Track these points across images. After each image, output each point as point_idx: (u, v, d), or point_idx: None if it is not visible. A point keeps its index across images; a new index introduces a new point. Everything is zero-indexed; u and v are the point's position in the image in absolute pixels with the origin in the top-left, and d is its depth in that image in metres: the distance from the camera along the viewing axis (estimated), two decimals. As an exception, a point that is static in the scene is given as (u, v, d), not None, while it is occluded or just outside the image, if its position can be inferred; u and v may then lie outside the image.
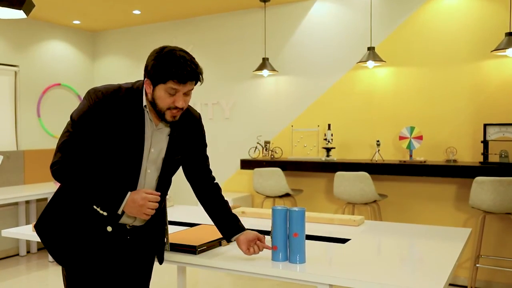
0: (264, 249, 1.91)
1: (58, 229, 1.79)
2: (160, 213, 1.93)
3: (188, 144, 1.95)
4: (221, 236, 2.09)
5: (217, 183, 2.10)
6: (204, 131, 2.07)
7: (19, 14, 2.10)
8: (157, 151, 1.82)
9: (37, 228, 1.85)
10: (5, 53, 5.34)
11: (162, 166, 1.85)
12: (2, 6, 1.93)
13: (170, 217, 2.81)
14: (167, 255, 2.00)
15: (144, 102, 1.76)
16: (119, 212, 1.73)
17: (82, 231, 1.78)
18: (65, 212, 1.79)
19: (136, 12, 5.37)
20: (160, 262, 1.99)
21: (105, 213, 1.76)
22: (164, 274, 4.39)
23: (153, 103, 1.72)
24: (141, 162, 1.77)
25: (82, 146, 1.70)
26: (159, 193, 1.77)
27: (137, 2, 4.98)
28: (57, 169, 1.70)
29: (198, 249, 1.97)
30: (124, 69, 6.15)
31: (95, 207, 1.75)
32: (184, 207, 3.28)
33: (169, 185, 1.96)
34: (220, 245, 2.11)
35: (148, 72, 1.70)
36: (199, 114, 2.05)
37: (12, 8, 1.95)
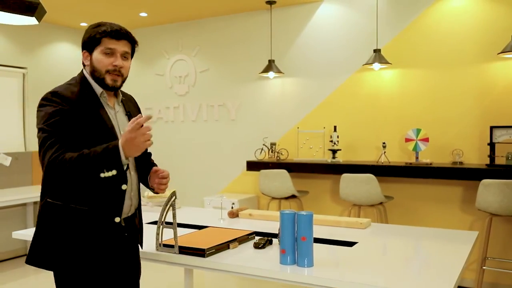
0: (272, 253, 1.92)
1: (58, 245, 1.74)
2: (139, 198, 2.00)
3: None
4: (229, 239, 2.12)
5: (150, 152, 2.14)
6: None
7: (31, 20, 2.13)
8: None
9: (35, 257, 1.78)
10: (13, 55, 5.39)
11: None
12: (15, 13, 1.97)
13: (177, 219, 2.83)
14: (176, 257, 2.02)
15: (99, 90, 1.81)
16: (123, 158, 1.64)
17: (86, 235, 1.74)
18: (61, 223, 1.73)
19: (143, 14, 5.41)
20: (141, 247, 2.05)
21: (114, 172, 1.65)
22: (171, 276, 4.41)
23: (93, 73, 1.79)
24: None
25: (65, 138, 1.66)
26: (139, 119, 1.64)
27: (144, 4, 5.01)
28: (56, 161, 1.62)
29: (207, 252, 1.99)
30: (131, 70, 6.15)
31: (102, 174, 1.64)
32: (191, 209, 3.30)
33: (147, 156, 2.08)
34: (229, 248, 2.13)
35: (84, 43, 1.79)
36: None
37: (25, 15, 1.98)
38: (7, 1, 1.96)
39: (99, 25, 1.79)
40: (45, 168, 1.65)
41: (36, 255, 1.77)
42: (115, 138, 1.76)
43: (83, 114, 1.72)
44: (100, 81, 1.80)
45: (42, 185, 1.81)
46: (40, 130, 1.69)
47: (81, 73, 1.85)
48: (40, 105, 1.73)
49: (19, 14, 1.99)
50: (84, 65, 1.85)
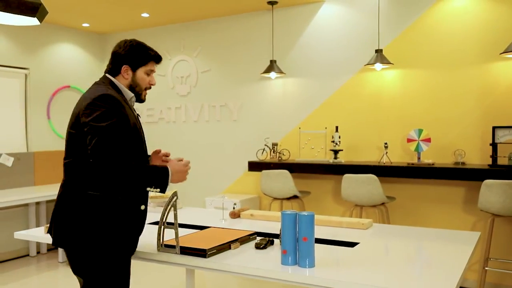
0: (274, 254, 1.93)
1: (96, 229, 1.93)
2: None
3: None
4: (231, 239, 2.13)
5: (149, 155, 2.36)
6: None
7: (32, 21, 2.13)
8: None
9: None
10: (15, 56, 5.40)
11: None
12: (16, 13, 1.97)
13: (179, 220, 2.83)
14: (177, 258, 2.02)
15: (129, 95, 2.07)
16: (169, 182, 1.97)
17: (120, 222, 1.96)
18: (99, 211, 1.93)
19: (145, 15, 5.41)
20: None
21: (158, 190, 1.94)
22: (172, 277, 4.42)
23: (132, 86, 2.08)
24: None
25: (122, 143, 1.89)
26: (189, 160, 2.10)
27: (145, 5, 5.02)
28: (119, 169, 1.85)
29: (208, 253, 1.99)
30: (133, 71, 6.19)
31: (148, 188, 1.94)
32: (193, 209, 3.30)
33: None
34: (230, 248, 2.13)
35: (127, 59, 2.04)
36: None
37: (26, 15, 1.98)
38: (9, 1, 1.96)
39: (143, 46, 2.09)
40: (107, 166, 1.83)
41: (70, 238, 1.94)
42: (140, 137, 2.06)
43: (128, 118, 1.97)
44: (137, 96, 2.12)
45: (78, 179, 1.94)
46: (99, 129, 1.84)
47: (108, 79, 2.06)
48: (95, 105, 1.87)
49: (21, 14, 1.99)
50: (110, 71, 2.08)
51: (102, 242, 1.92)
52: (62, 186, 2.02)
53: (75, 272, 2.04)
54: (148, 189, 1.94)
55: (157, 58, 2.12)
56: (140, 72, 2.08)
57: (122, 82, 2.07)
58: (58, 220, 1.98)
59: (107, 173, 1.84)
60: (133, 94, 2.09)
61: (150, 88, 2.13)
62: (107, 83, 2.04)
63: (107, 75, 2.09)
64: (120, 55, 2.05)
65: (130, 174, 1.88)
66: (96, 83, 2.07)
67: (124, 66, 2.05)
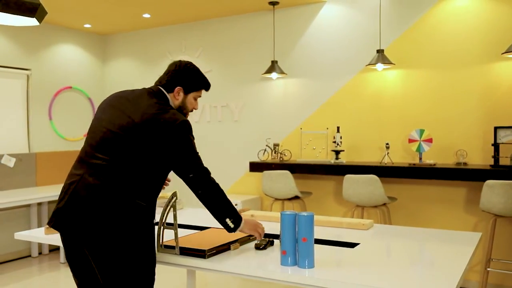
0: (273, 254, 1.93)
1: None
2: None
3: None
4: (230, 240, 2.12)
5: None
6: None
7: (31, 21, 2.14)
8: None
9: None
10: (17, 57, 5.42)
11: None
12: (15, 14, 1.97)
13: (179, 220, 2.83)
14: (177, 258, 2.02)
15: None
16: (240, 226, 2.05)
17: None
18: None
19: (146, 15, 5.42)
20: None
21: (232, 225, 2.03)
22: (174, 277, 4.41)
23: (180, 108, 2.14)
24: None
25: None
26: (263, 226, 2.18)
27: (147, 5, 5.02)
28: (214, 183, 2.03)
29: (208, 253, 1.99)
30: (134, 71, 6.20)
31: (227, 219, 2.02)
32: (194, 210, 3.30)
33: None
34: (230, 248, 2.12)
35: (182, 81, 2.11)
36: None
37: (25, 16, 1.98)
38: (8, 2, 1.96)
39: (199, 73, 2.17)
40: (202, 186, 1.99)
41: (105, 242, 1.90)
42: None
43: None
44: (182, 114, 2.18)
45: (123, 186, 1.92)
46: (195, 154, 2.01)
47: (164, 96, 2.10)
48: (187, 131, 2.00)
49: (20, 15, 1.99)
50: (164, 87, 2.11)
51: (142, 250, 1.94)
52: (95, 188, 1.90)
53: (77, 273, 2.03)
54: (227, 220, 2.02)
55: (208, 86, 2.22)
56: (191, 96, 2.16)
57: (173, 100, 2.12)
58: (88, 221, 1.88)
59: (211, 197, 2.00)
60: None
61: (192, 111, 2.22)
62: (165, 100, 2.08)
63: (162, 89, 2.11)
64: (178, 75, 2.11)
65: (224, 199, 2.03)
66: (153, 93, 2.07)
67: (179, 87, 2.11)
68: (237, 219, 2.04)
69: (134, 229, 1.92)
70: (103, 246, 1.89)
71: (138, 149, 1.93)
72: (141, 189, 1.95)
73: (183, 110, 2.15)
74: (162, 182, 2.05)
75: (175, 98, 2.12)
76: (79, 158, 2.03)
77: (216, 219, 2.04)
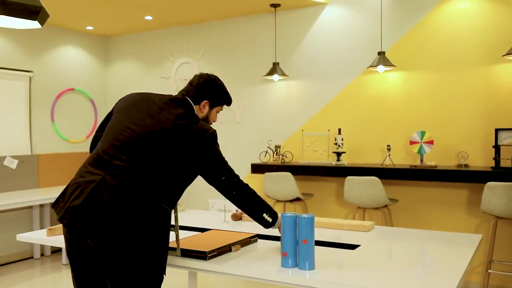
0: (273, 255, 1.93)
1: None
2: None
3: None
4: (232, 241, 2.13)
5: None
6: None
7: (34, 24, 2.15)
8: None
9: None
10: (19, 59, 5.44)
11: None
12: (17, 17, 1.99)
13: (180, 222, 2.84)
14: (178, 260, 2.03)
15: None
16: (277, 220, 2.17)
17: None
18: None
19: (148, 17, 5.43)
20: None
21: (270, 219, 2.15)
22: (175, 279, 4.42)
23: (204, 119, 2.20)
24: None
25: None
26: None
27: (149, 8, 5.04)
28: (244, 186, 2.21)
29: (209, 255, 2.00)
30: (137, 73, 6.22)
31: (264, 215, 2.15)
32: (195, 211, 3.31)
33: None
34: (231, 250, 2.13)
35: (209, 96, 2.18)
36: None
37: (27, 19, 2.00)
38: (10, 5, 1.97)
39: (224, 89, 2.25)
40: (235, 187, 2.16)
41: (125, 245, 1.86)
42: None
43: None
44: None
45: (153, 191, 1.91)
46: (223, 159, 2.11)
47: (191, 107, 2.14)
48: (216, 141, 2.06)
49: (22, 18, 2.00)
50: (192, 98, 2.15)
51: (161, 254, 1.93)
52: (119, 191, 1.86)
53: (77, 270, 2.00)
54: (264, 215, 2.15)
55: (230, 102, 2.31)
56: (214, 110, 2.23)
57: (197, 112, 2.17)
58: (112, 224, 1.83)
59: (245, 196, 2.17)
60: None
61: (212, 123, 2.29)
62: (192, 113, 2.11)
63: (189, 100, 2.14)
64: (205, 89, 2.17)
65: (257, 196, 2.21)
66: (178, 102, 2.09)
67: (205, 100, 2.17)
68: (273, 213, 2.16)
69: (158, 233, 1.91)
70: (123, 251, 1.84)
71: (166, 154, 1.93)
72: (166, 193, 1.96)
73: (207, 123, 2.22)
74: (185, 187, 2.08)
75: (201, 111, 2.17)
76: (97, 156, 1.96)
77: (253, 217, 2.13)
